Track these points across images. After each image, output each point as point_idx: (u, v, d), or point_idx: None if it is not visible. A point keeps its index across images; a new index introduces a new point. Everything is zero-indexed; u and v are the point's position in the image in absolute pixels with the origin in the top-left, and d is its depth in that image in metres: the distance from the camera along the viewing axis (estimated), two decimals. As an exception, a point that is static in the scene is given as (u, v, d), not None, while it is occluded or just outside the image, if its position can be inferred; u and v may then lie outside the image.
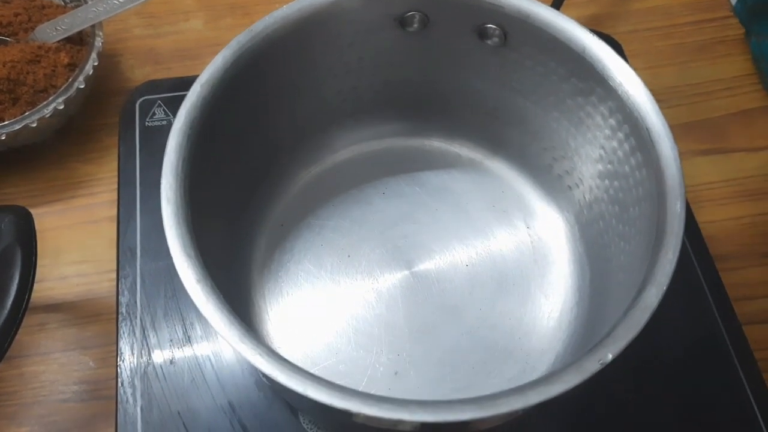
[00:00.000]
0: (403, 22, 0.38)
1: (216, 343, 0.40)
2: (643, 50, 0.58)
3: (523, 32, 0.36)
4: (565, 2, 0.53)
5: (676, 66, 0.58)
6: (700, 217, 0.47)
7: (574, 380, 0.26)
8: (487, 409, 0.24)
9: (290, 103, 0.38)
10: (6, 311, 0.37)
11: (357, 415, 0.24)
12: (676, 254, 0.28)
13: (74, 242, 0.49)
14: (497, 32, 0.37)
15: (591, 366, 0.26)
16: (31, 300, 0.44)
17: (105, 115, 0.54)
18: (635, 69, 0.33)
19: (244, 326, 0.27)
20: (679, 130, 0.37)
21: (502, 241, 0.43)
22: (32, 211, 0.39)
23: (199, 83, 0.32)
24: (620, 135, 0.34)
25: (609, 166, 0.36)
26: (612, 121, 0.34)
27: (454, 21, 0.37)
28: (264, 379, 0.38)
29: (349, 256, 0.42)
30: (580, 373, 0.26)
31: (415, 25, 0.38)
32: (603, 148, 0.36)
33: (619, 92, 0.32)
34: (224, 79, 0.32)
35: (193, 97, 0.31)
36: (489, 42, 0.37)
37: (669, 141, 0.31)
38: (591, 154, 0.37)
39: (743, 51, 0.58)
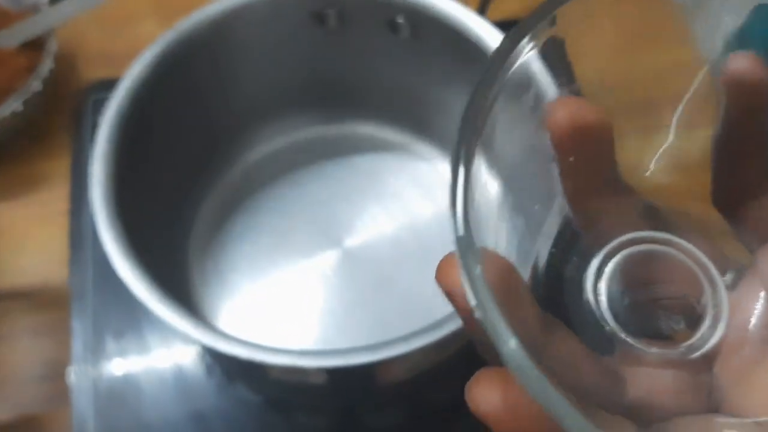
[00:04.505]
0: (321, 19, 0.41)
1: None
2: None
3: (428, 25, 0.39)
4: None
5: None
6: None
7: (450, 327, 0.29)
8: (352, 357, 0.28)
9: (220, 95, 0.42)
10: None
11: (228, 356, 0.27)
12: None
13: (37, 234, 0.52)
14: (406, 26, 0.40)
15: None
16: (-2, 289, 0.48)
17: (64, 114, 0.57)
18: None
19: (154, 283, 0.30)
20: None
21: (425, 215, 0.46)
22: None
23: (128, 78, 0.35)
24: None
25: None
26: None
27: (366, 16, 0.40)
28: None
29: (284, 236, 0.45)
30: (458, 320, 0.29)
31: (332, 22, 0.41)
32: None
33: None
34: (151, 74, 0.36)
35: (122, 91, 0.35)
36: (400, 35, 0.41)
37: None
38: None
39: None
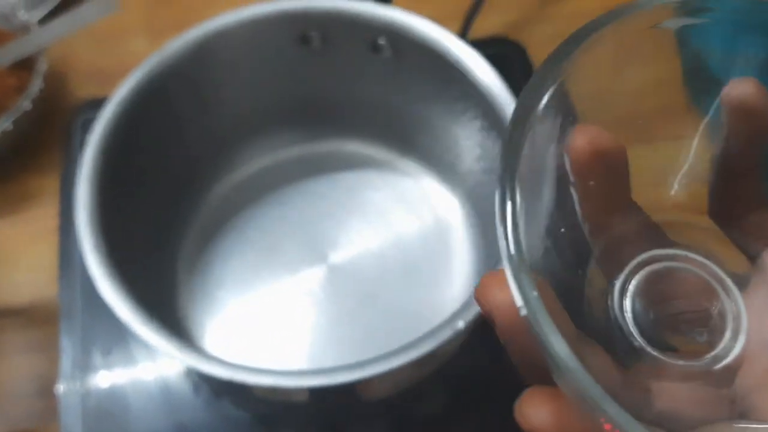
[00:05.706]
0: (305, 40, 0.42)
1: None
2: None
3: (409, 46, 0.40)
4: (476, 17, 0.56)
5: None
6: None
7: (427, 347, 0.30)
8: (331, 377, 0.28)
9: (205, 115, 0.43)
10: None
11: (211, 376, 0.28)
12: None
13: (27, 251, 0.53)
14: (388, 47, 0.41)
15: (444, 333, 0.30)
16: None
17: (55, 132, 0.58)
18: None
19: (140, 304, 0.31)
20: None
21: (409, 231, 0.47)
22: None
23: (113, 102, 0.36)
24: (494, 134, 0.39)
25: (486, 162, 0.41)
26: (483, 123, 0.38)
27: (349, 38, 0.41)
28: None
29: (270, 253, 0.46)
30: (434, 340, 0.30)
31: (316, 43, 0.42)
32: (480, 145, 0.40)
33: (484, 95, 0.37)
34: (136, 97, 0.37)
35: (107, 114, 0.35)
36: (382, 56, 0.42)
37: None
38: (473, 152, 0.41)
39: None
